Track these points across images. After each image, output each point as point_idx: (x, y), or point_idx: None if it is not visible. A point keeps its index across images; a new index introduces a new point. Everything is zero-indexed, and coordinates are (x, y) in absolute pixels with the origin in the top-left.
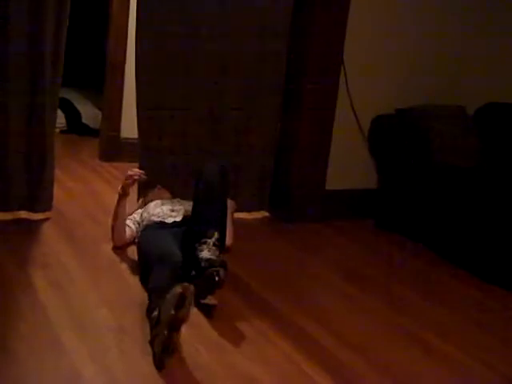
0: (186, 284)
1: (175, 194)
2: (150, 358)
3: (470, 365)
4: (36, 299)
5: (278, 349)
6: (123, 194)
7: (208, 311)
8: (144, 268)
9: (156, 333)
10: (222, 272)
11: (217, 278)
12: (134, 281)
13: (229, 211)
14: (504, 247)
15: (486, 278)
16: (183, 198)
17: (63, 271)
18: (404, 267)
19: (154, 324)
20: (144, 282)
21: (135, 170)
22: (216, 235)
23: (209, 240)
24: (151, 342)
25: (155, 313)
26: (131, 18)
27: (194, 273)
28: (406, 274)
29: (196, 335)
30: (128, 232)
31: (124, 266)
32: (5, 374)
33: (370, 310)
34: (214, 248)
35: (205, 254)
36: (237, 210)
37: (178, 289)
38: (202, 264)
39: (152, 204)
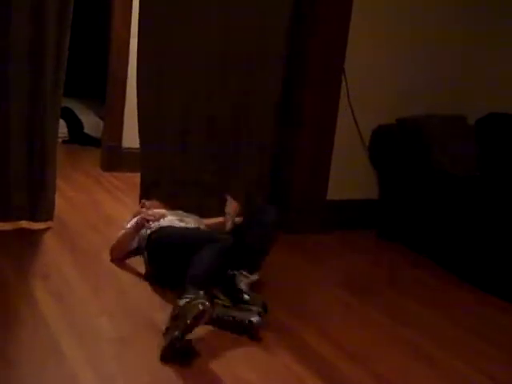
0: (207, 304)
1: (176, 204)
2: (150, 367)
3: (470, 375)
4: (36, 309)
5: (278, 359)
6: (141, 225)
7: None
8: (168, 259)
9: (170, 326)
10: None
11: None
12: (135, 290)
13: (231, 214)
14: (505, 257)
15: (487, 289)
16: (183, 209)
17: (64, 281)
18: (405, 277)
19: (173, 317)
20: (162, 275)
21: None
22: (256, 277)
23: (250, 276)
24: (165, 331)
25: (176, 311)
26: (133, 28)
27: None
28: (408, 284)
29: (198, 345)
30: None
31: (124, 276)
32: (5, 382)
33: (371, 320)
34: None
35: (243, 286)
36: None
37: (200, 305)
38: (245, 298)
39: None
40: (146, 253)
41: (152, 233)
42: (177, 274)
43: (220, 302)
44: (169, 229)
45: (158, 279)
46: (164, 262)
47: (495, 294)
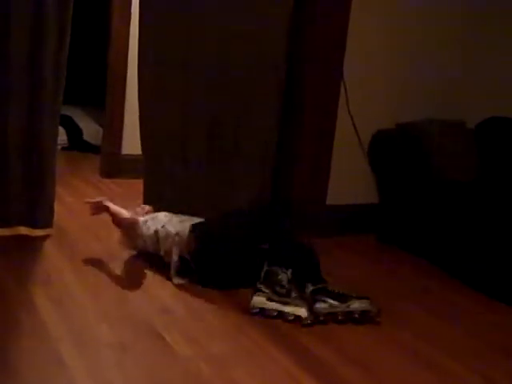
0: None
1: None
2: (150, 373)
3: (471, 379)
4: (36, 315)
5: (278, 364)
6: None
7: None
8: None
9: None
10: None
11: None
12: (135, 296)
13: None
14: (505, 261)
15: (488, 292)
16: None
17: (64, 287)
18: (405, 282)
19: None
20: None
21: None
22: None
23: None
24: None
25: None
26: (132, 35)
27: None
28: (408, 288)
29: (198, 351)
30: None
31: (124, 282)
32: None
33: (372, 324)
34: None
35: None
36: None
37: None
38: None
39: (161, 214)
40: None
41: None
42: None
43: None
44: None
45: (205, 279)
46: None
47: (496, 297)
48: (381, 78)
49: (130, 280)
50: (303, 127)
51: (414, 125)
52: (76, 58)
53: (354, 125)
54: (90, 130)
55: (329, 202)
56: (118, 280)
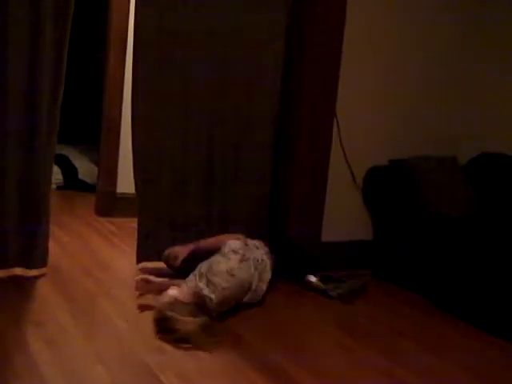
0: None
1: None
2: None
3: None
4: (30, 357)
5: None
6: None
7: None
8: None
9: None
10: None
11: None
12: (130, 335)
13: None
14: (500, 296)
15: (484, 328)
16: None
17: (58, 328)
18: (402, 318)
19: None
20: None
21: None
22: None
23: None
24: None
25: None
26: (127, 74)
27: None
28: (404, 324)
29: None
30: None
31: (119, 322)
32: None
33: (368, 361)
34: None
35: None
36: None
37: None
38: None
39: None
40: None
41: None
42: None
43: None
44: None
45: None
46: None
47: (492, 332)
48: (374, 114)
49: (125, 319)
50: (296, 164)
51: (406, 161)
52: (71, 97)
53: (347, 162)
54: (86, 169)
55: (324, 239)
56: (113, 319)
